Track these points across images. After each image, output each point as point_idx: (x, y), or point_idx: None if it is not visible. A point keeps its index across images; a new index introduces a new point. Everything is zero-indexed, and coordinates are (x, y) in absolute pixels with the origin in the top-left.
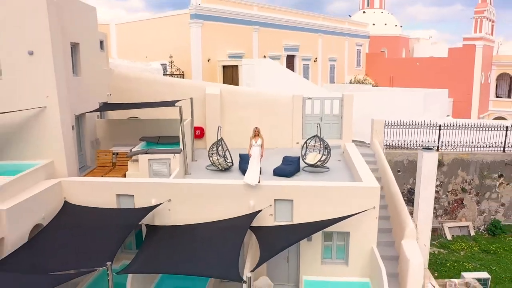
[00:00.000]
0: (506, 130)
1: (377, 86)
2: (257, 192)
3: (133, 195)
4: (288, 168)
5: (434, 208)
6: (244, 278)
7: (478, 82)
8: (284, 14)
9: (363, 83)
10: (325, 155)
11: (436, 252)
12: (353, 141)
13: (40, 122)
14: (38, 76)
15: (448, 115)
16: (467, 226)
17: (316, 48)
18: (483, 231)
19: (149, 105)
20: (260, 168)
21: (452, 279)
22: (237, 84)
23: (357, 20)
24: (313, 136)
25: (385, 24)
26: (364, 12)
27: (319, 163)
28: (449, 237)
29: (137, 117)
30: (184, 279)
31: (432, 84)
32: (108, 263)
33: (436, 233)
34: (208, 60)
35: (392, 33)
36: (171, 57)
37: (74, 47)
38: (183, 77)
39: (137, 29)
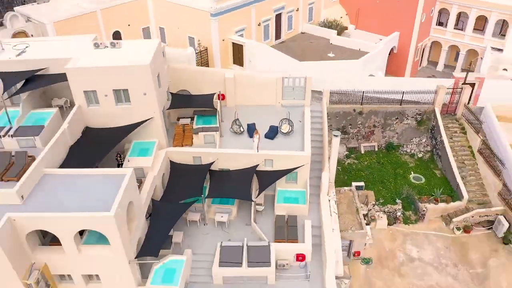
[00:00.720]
0: (403, 94)
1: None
2: (257, 156)
3: (200, 157)
4: (272, 134)
5: (356, 135)
6: (253, 199)
7: (418, 21)
8: None
9: (332, 24)
10: (291, 126)
11: (351, 163)
12: (312, 91)
13: (151, 122)
14: (149, 104)
15: (383, 70)
16: (374, 145)
17: (298, 0)
18: (383, 149)
19: (199, 103)
20: (258, 144)
21: (343, 187)
22: (242, 58)
23: None
24: (285, 118)
25: None
26: None
27: (288, 131)
28: (362, 151)
29: (187, 90)
30: (222, 198)
31: (386, 18)
32: (202, 196)
33: (356, 149)
34: (223, 40)
35: None
36: (199, 41)
37: (158, 76)
38: (206, 52)
39: (170, 7)
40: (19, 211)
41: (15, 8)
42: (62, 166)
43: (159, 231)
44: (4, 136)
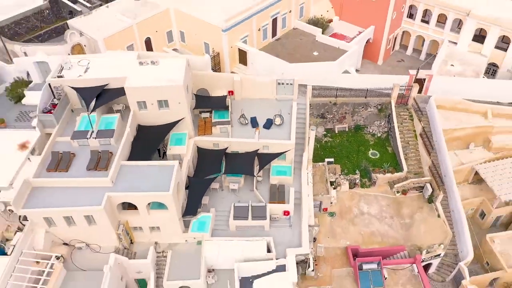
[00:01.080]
0: (367, 90)
1: (330, 24)
2: (258, 143)
3: (218, 143)
4: (268, 125)
5: (332, 119)
6: (255, 175)
7: (390, 19)
8: None
9: (319, 21)
10: (282, 120)
11: (327, 141)
12: (299, 85)
13: (184, 121)
14: (182, 108)
15: (357, 68)
16: (345, 127)
17: (291, 4)
18: (352, 129)
19: (215, 103)
20: (258, 135)
21: (318, 163)
22: (246, 59)
23: None
24: (277, 114)
25: None
26: None
27: (279, 123)
28: (336, 131)
29: (205, 89)
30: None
31: (364, 13)
32: (221, 173)
33: (331, 130)
34: (231, 47)
35: None
36: (213, 49)
37: (187, 86)
38: (218, 56)
39: (189, 18)
40: (111, 191)
41: (68, 22)
42: (129, 158)
43: (195, 198)
44: (89, 138)
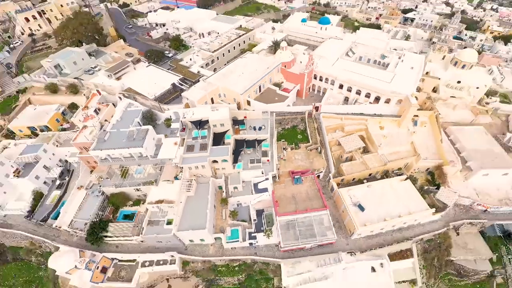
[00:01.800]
0: (296, 112)
1: (282, 84)
2: (255, 136)
3: (242, 137)
4: (260, 129)
5: (284, 124)
6: (256, 147)
7: (306, 81)
8: (261, 73)
9: (277, 84)
10: (265, 127)
11: (283, 133)
12: (270, 112)
13: (229, 130)
14: (229, 126)
15: (294, 101)
16: (289, 126)
17: (266, 79)
18: (291, 127)
19: (239, 123)
20: (257, 134)
21: (279, 141)
22: (250, 103)
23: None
24: (263, 124)
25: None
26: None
27: (263, 129)
28: (286, 128)
29: (236, 117)
30: (249, 146)
31: (295, 79)
32: (244, 147)
33: (285, 128)
34: (244, 99)
35: (288, 60)
36: (238, 101)
37: (230, 118)
38: (239, 103)
39: (227, 89)
40: (209, 156)
41: (182, 94)
42: (213, 145)
43: (236, 157)
44: (198, 139)
